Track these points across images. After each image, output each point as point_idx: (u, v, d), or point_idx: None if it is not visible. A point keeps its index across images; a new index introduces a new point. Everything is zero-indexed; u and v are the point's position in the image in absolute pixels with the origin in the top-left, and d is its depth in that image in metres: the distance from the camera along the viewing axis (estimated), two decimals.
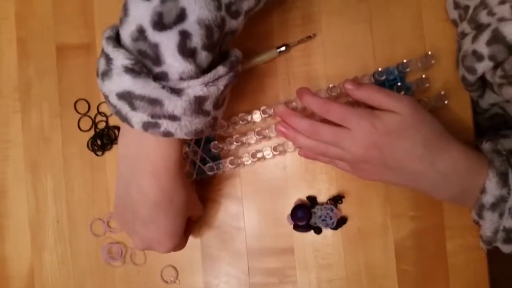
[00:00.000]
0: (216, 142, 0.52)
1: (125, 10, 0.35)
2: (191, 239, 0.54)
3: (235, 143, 0.52)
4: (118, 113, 0.37)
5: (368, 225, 0.53)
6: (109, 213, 0.56)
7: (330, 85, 0.50)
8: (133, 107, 0.35)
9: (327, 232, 0.53)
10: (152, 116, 0.35)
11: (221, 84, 0.37)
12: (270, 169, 0.54)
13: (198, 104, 0.36)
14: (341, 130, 0.44)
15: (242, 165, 0.53)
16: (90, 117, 0.57)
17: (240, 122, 0.52)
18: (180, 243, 0.46)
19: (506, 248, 0.45)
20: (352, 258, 0.53)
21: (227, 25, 0.37)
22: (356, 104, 0.50)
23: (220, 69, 0.37)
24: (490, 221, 0.43)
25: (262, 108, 0.52)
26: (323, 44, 0.53)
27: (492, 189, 0.42)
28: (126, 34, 0.35)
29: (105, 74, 0.36)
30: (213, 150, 0.52)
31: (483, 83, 0.49)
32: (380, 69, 0.50)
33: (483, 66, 0.45)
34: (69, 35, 0.58)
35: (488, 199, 0.43)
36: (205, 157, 0.52)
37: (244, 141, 0.52)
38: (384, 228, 0.52)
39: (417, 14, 0.52)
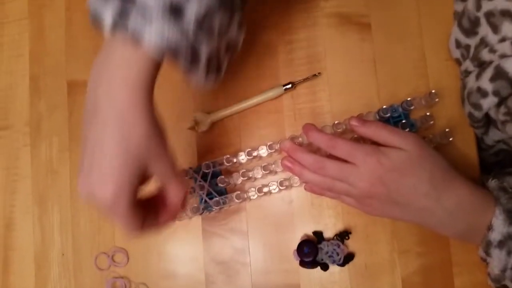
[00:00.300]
0: (222, 176, 0.53)
1: None
2: (195, 274, 0.54)
3: (241, 177, 0.53)
4: (93, 16, 0.34)
5: (375, 261, 0.52)
6: (114, 247, 0.56)
7: (336, 122, 0.51)
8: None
9: (334, 268, 0.52)
10: (124, 0, 0.33)
11: None
12: (276, 204, 0.54)
13: (174, 4, 0.33)
14: (347, 166, 0.44)
15: (248, 199, 0.54)
16: None
17: (247, 157, 0.53)
18: (128, 202, 0.35)
19: None
20: None
21: None
22: (361, 140, 0.51)
23: None
24: (497, 259, 0.43)
25: (268, 144, 0.53)
26: (328, 82, 0.55)
27: (499, 226, 0.42)
28: None
29: None
30: (219, 184, 0.53)
31: (487, 120, 0.50)
32: (384, 106, 0.51)
33: (488, 102, 0.46)
34: (80, 72, 0.60)
35: (495, 236, 0.42)
36: (211, 192, 0.53)
37: (251, 175, 0.53)
38: (392, 265, 0.52)
39: (420, 54, 0.54)
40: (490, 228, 0.43)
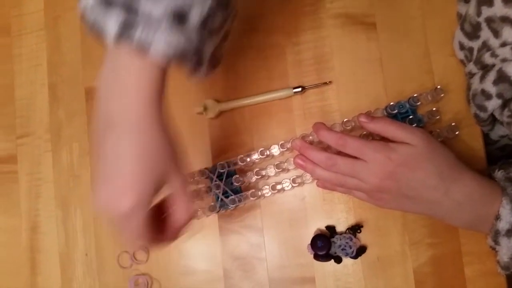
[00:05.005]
0: (237, 175, 0.55)
1: None
2: (214, 270, 0.56)
3: (255, 176, 0.55)
4: (92, 26, 0.34)
5: (387, 253, 0.54)
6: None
7: (345, 119, 0.53)
8: (108, 4, 0.32)
9: (347, 261, 0.54)
10: (128, 12, 0.32)
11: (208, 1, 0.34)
12: (289, 200, 0.56)
13: (180, 8, 0.33)
14: (358, 162, 0.46)
15: (263, 197, 0.56)
16: None
17: (260, 156, 0.55)
18: (144, 213, 0.35)
19: None
20: (372, 286, 0.54)
21: None
22: (370, 136, 0.52)
23: None
24: (506, 247, 0.44)
25: (280, 143, 0.54)
26: (336, 82, 0.56)
27: (507, 215, 0.44)
28: None
29: None
30: (234, 183, 0.55)
31: (493, 119, 0.51)
32: (392, 103, 0.53)
33: (493, 104, 0.47)
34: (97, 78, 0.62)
35: (503, 225, 0.44)
36: (227, 190, 0.55)
37: (264, 174, 0.55)
38: (403, 256, 0.53)
39: (425, 51, 0.55)
40: (497, 217, 0.44)
